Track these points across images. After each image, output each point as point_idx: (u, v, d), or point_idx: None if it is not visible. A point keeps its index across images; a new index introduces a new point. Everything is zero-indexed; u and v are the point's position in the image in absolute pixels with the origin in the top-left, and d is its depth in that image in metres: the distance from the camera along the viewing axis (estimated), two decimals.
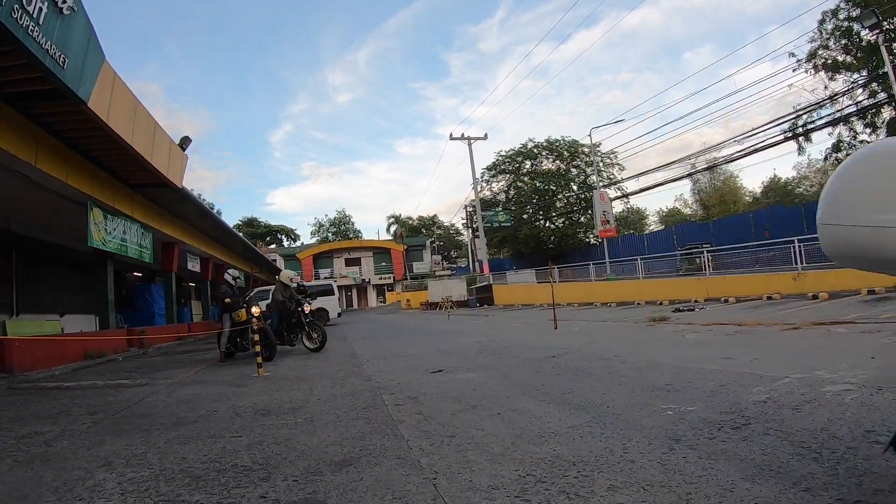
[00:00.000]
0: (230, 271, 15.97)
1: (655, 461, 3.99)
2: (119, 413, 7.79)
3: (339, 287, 42.02)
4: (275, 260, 70.47)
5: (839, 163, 24.69)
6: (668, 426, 4.89)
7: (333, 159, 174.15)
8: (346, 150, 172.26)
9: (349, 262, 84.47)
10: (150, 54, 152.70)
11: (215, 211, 35.35)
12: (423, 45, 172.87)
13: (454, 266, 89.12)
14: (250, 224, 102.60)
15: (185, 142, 21.00)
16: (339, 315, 35.91)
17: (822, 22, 29.76)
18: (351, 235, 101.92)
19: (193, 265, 33.08)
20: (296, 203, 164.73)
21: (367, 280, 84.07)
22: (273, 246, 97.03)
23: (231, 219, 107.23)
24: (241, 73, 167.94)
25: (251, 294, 16.11)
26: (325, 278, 69.45)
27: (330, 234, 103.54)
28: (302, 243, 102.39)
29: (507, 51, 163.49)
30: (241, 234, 43.28)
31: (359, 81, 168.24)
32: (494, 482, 3.82)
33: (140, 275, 34.52)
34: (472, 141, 47.27)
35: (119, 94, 14.56)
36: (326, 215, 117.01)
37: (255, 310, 13.71)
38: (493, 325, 21.72)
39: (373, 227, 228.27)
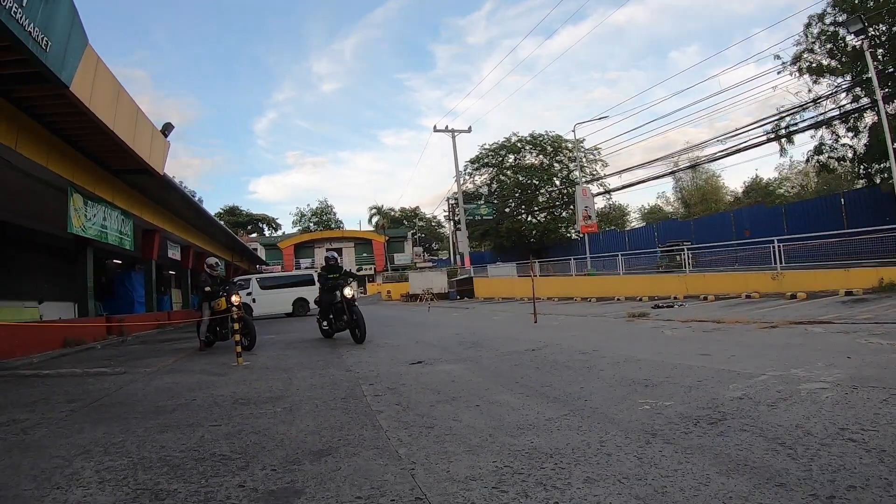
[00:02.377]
0: (210, 260, 15.58)
1: (632, 454, 4.03)
2: (98, 401, 7.76)
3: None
4: (256, 249, 70.37)
5: (820, 165, 25.09)
6: (645, 420, 4.93)
7: (318, 149, 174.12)
8: (330, 140, 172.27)
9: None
10: (137, 41, 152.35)
11: (197, 199, 35.26)
12: (410, 36, 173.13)
13: (435, 258, 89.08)
14: (232, 212, 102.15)
15: (167, 128, 20.81)
16: None
17: (808, 26, 29.94)
18: (333, 226, 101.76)
19: (174, 253, 32.88)
20: (278, 192, 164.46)
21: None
22: (254, 235, 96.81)
23: (213, 207, 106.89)
24: (227, 60, 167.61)
25: (231, 282, 15.67)
26: (306, 268, 69.32)
27: (311, 224, 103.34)
28: (283, 233, 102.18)
29: (494, 44, 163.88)
30: (222, 223, 43.07)
31: (345, 71, 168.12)
32: (472, 473, 3.85)
33: (120, 262, 34.20)
34: (455, 133, 47.32)
35: (102, 78, 14.42)
36: (308, 205, 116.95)
37: (234, 298, 13.41)
38: (474, 318, 21.79)
39: (355, 218, 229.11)
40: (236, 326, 11.83)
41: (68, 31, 11.84)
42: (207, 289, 14.60)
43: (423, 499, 3.48)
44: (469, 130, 48.76)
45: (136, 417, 6.42)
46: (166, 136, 20.66)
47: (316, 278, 16.67)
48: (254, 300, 32.21)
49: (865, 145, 29.62)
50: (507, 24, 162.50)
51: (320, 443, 4.86)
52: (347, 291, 14.25)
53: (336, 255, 16.27)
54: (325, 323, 15.15)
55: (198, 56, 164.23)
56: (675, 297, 23.26)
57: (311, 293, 33.87)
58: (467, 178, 62.15)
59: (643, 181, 61.95)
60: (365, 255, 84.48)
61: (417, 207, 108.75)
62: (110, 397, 8.06)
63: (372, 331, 15.86)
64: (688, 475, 3.57)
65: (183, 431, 5.60)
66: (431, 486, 3.69)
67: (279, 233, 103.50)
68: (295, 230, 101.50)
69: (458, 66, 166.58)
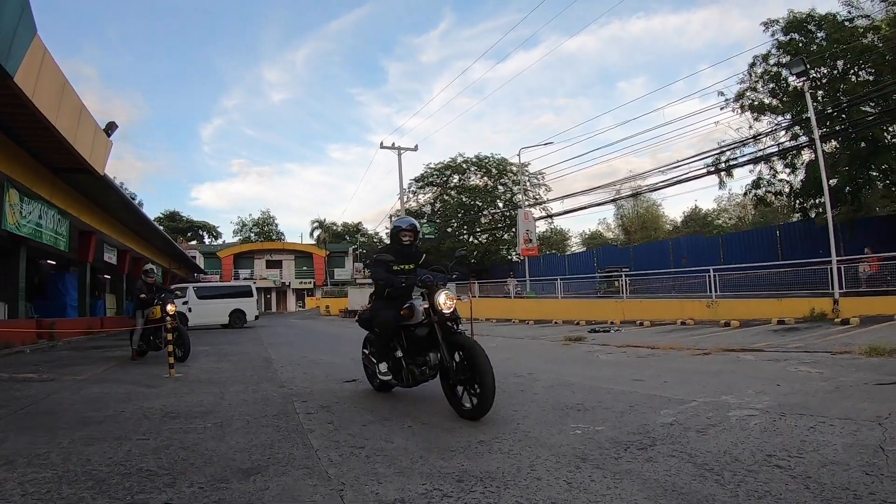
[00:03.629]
0: (147, 266, 15.27)
1: (562, 479, 4.05)
2: (23, 409, 7.58)
3: (258, 289, 41.52)
4: (194, 257, 69.46)
5: (757, 199, 25.74)
6: (577, 445, 4.96)
7: (264, 158, 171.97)
8: (277, 150, 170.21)
9: (270, 265, 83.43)
10: (87, 35, 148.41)
11: (137, 202, 34.65)
12: (364, 51, 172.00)
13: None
14: (172, 218, 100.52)
15: (110, 127, 20.47)
16: (257, 318, 35.42)
17: (752, 65, 30.71)
18: (274, 237, 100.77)
19: (110, 257, 32.34)
20: (221, 200, 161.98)
21: (287, 283, 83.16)
22: (194, 242, 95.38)
23: (153, 211, 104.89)
24: (178, 62, 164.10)
25: (168, 291, 15.17)
26: (245, 279, 68.62)
27: (253, 235, 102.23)
28: (224, 241, 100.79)
29: (446, 64, 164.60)
30: (161, 228, 42.46)
31: (295, 81, 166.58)
32: (401, 496, 3.82)
33: (54, 263, 33.38)
34: (402, 151, 47.14)
35: (47, 70, 14.11)
36: (250, 215, 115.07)
37: (169, 308, 13.03)
38: None
39: (297, 231, 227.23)
40: (169, 337, 11.60)
41: (17, 19, 11.57)
42: (143, 296, 14.20)
43: None
44: (415, 149, 48.63)
45: (62, 428, 6.26)
46: (109, 135, 20.33)
47: (372, 268, 7.93)
48: (189, 310, 31.72)
49: (802, 181, 30.41)
50: (460, 45, 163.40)
51: (250, 461, 4.80)
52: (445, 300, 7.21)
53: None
54: (382, 365, 7.56)
55: (149, 55, 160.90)
56: (612, 322, 23.50)
57: (248, 305, 33.58)
58: (411, 196, 62.17)
59: (585, 207, 62.99)
60: (305, 268, 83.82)
61: (360, 223, 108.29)
62: (37, 405, 7.89)
63: (307, 346, 15.72)
64: (616, 500, 3.60)
65: (110, 444, 5.48)
66: None
67: (219, 241, 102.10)
68: (235, 240, 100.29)
69: (409, 83, 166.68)
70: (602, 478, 4.05)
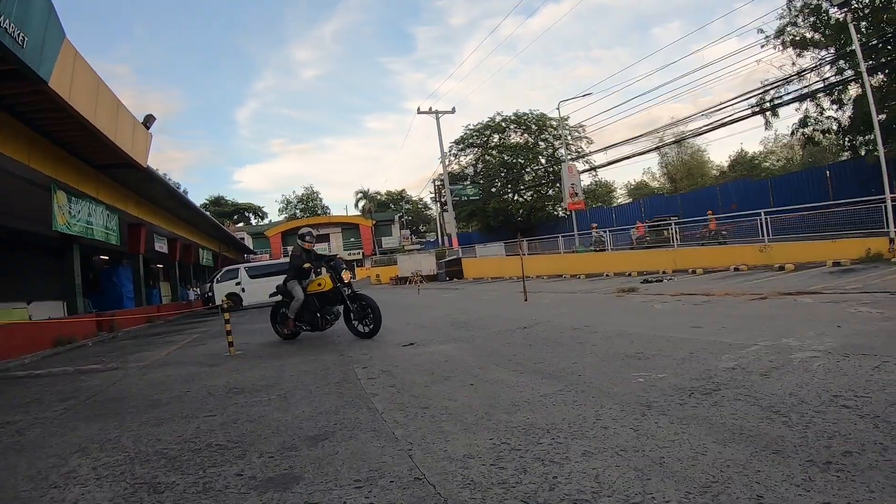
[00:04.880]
0: (303, 230, 12.74)
1: (628, 427, 4.05)
2: (91, 398, 7.73)
3: None
4: (243, 238, 69.96)
5: (805, 138, 25.18)
6: (640, 393, 4.96)
7: (302, 136, 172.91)
8: (314, 127, 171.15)
9: (318, 239, 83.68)
10: (117, 35, 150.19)
11: (182, 190, 34.95)
12: (391, 19, 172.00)
13: (423, 240, 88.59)
14: (217, 203, 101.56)
15: (148, 120, 20.65)
16: None
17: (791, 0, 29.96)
18: (319, 212, 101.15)
19: (161, 246, 32.71)
20: (264, 181, 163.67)
21: (336, 256, 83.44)
22: (241, 224, 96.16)
23: (198, 198, 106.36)
24: (208, 51, 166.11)
25: (333, 257, 13.72)
26: None
27: (298, 211, 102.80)
28: (270, 221, 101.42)
29: (475, 24, 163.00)
30: (208, 213, 42.91)
31: (326, 57, 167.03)
32: (469, 451, 3.86)
33: (107, 258, 33.94)
34: (439, 115, 47.07)
35: (80, 72, 14.28)
36: (294, 192, 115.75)
37: (344, 275, 11.63)
38: (464, 298, 21.76)
39: (341, 203, 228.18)
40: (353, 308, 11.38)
41: (44, 25, 11.70)
42: (307, 265, 11.79)
43: (421, 479, 3.49)
44: (453, 111, 48.64)
45: (130, 412, 6.39)
46: (148, 127, 20.52)
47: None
48: (243, 289, 32.17)
49: (850, 117, 29.69)
50: (487, 4, 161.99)
51: (316, 428, 4.86)
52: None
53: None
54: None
55: (178, 48, 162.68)
56: (663, 272, 23.34)
57: None
58: (452, 159, 61.94)
59: (628, 157, 62.49)
60: (353, 239, 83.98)
61: (403, 190, 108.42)
62: (103, 394, 8.02)
63: None
64: (685, 445, 3.60)
65: (178, 424, 5.59)
66: (430, 465, 3.70)
67: (265, 221, 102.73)
68: (281, 218, 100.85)
69: (439, 47, 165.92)
70: (669, 423, 4.05)
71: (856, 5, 26.39)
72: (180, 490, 3.75)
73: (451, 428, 4.47)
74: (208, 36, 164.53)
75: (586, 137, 56.36)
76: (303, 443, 4.46)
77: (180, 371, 9.47)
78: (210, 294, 34.54)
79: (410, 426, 4.64)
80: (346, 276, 11.73)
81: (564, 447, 3.76)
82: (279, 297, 12.23)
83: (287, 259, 15.40)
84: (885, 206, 18.36)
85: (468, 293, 25.51)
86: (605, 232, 25.81)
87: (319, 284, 11.72)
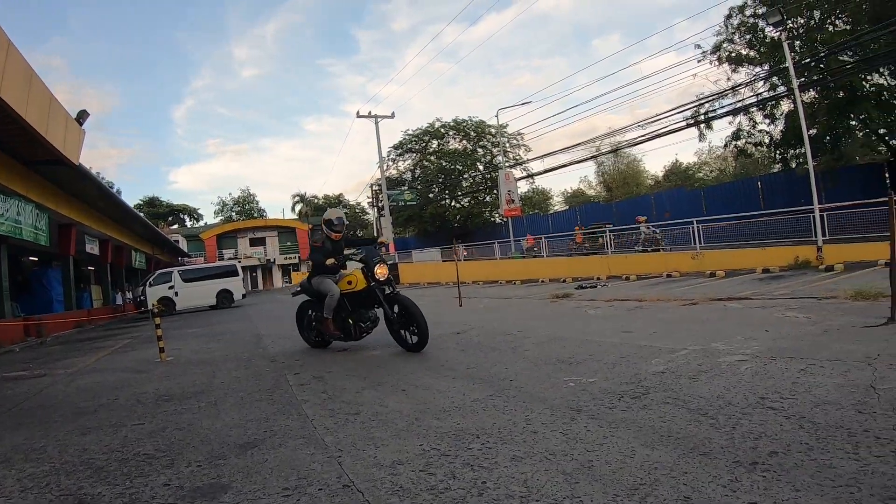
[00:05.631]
0: (331, 213, 9.93)
1: (558, 431, 4.09)
2: (17, 406, 7.54)
3: (243, 268, 41.43)
4: (177, 241, 68.98)
5: (738, 150, 25.96)
6: (570, 397, 5.01)
7: (239, 136, 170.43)
8: (251, 127, 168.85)
9: (253, 242, 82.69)
10: (53, 26, 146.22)
11: (115, 190, 34.18)
12: (333, 21, 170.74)
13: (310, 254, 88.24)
14: (151, 203, 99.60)
15: (82, 116, 20.16)
16: (244, 296, 35.46)
17: (728, 17, 30.74)
18: (255, 214, 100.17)
19: (92, 248, 32.08)
20: (199, 182, 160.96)
21: (272, 260, 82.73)
22: (175, 226, 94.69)
23: (132, 198, 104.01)
24: (146, 47, 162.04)
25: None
26: (229, 259, 68.32)
27: (234, 214, 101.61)
28: (205, 223, 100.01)
29: (418, 30, 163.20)
30: (141, 215, 42.17)
31: (266, 56, 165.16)
32: (399, 458, 3.86)
33: (36, 259, 33.12)
34: (379, 119, 46.83)
35: (13, 63, 13.89)
36: (230, 194, 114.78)
37: (380, 270, 8.91)
38: None
39: (278, 206, 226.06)
40: (392, 312, 8.83)
41: None
42: (331, 261, 9.32)
43: (350, 486, 3.48)
44: (392, 116, 48.36)
45: (57, 421, 6.25)
46: (81, 124, 20.05)
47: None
48: (176, 293, 31.73)
49: (782, 131, 30.60)
50: (430, 10, 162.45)
51: (246, 436, 4.82)
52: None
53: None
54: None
55: (117, 43, 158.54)
56: (597, 278, 23.59)
57: (234, 284, 33.50)
58: (391, 164, 61.86)
59: (565, 165, 63.05)
60: (289, 243, 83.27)
61: (341, 194, 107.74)
62: (30, 401, 7.84)
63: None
64: (613, 449, 3.64)
65: (106, 432, 5.48)
66: (359, 472, 3.68)
67: (201, 223, 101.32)
68: (217, 220, 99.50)
69: (381, 51, 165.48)
70: (598, 427, 4.09)
71: (791, 25, 27.23)
72: (107, 501, 3.67)
73: (382, 434, 4.46)
74: (147, 30, 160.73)
75: (524, 145, 56.99)
76: (232, 451, 4.41)
77: (109, 378, 9.27)
78: (142, 298, 33.90)
79: (340, 433, 4.62)
80: (380, 270, 8.94)
81: (494, 452, 3.78)
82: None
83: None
84: (814, 217, 18.88)
85: None
86: (657, 230, 25.55)
87: (350, 283, 9.29)
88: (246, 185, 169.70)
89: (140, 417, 5.98)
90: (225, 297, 33.17)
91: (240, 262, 49.46)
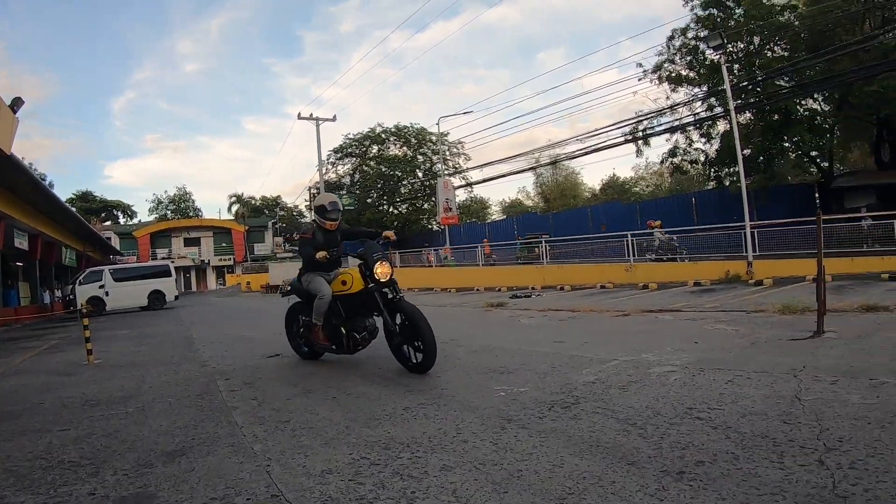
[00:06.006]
0: (323, 198, 8.60)
1: (488, 440, 4.11)
2: None
3: (176, 268, 40.75)
4: (109, 238, 67.38)
5: (674, 167, 26.62)
6: (501, 406, 5.04)
7: (177, 132, 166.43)
8: (191, 124, 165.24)
9: (188, 242, 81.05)
10: None
11: (48, 183, 33.37)
12: (279, 20, 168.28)
13: (296, 249, 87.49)
14: (84, 198, 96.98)
15: (16, 103, 19.53)
16: (177, 298, 34.71)
17: (671, 38, 31.48)
18: (191, 214, 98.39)
19: (21, 242, 31.08)
20: (135, 178, 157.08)
21: (206, 261, 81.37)
22: (108, 223, 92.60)
23: (65, 192, 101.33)
24: (87, 34, 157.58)
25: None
26: (163, 259, 67.04)
27: (169, 212, 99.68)
28: (140, 221, 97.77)
29: (364, 33, 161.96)
30: (73, 210, 41.11)
31: (209, 52, 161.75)
32: (328, 466, 3.85)
33: None
34: (320, 122, 46.41)
35: None
36: (166, 192, 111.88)
37: (380, 269, 7.45)
38: None
39: (214, 206, 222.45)
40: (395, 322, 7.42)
41: None
42: (321, 254, 7.56)
43: (279, 495, 3.45)
44: (334, 119, 48.00)
45: None
46: (15, 111, 19.44)
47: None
48: (107, 293, 30.99)
49: (717, 150, 31.43)
50: (378, 15, 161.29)
51: (173, 443, 4.74)
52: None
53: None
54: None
55: (56, 28, 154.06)
56: (533, 288, 23.76)
57: (167, 285, 32.86)
58: (330, 167, 61.47)
59: (505, 175, 63.48)
60: (224, 244, 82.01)
61: (279, 196, 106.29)
62: None
63: (229, 323, 15.50)
64: (542, 458, 3.68)
65: (30, 438, 5.33)
66: (287, 481, 3.66)
67: (135, 221, 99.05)
68: (152, 218, 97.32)
69: (326, 53, 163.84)
70: (528, 437, 4.13)
71: (731, 49, 28.08)
72: None
73: (311, 442, 4.44)
74: (90, 16, 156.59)
75: (465, 154, 57.15)
76: (159, 459, 4.33)
77: (35, 380, 9.04)
78: (72, 297, 33.06)
79: (270, 441, 4.59)
80: (382, 269, 7.48)
81: (423, 461, 3.79)
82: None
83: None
84: (745, 233, 19.41)
85: None
86: (674, 237, 25.23)
87: (344, 283, 7.78)
88: (183, 183, 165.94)
89: (66, 423, 5.84)
90: (157, 299, 32.45)
91: (173, 262, 48.44)
